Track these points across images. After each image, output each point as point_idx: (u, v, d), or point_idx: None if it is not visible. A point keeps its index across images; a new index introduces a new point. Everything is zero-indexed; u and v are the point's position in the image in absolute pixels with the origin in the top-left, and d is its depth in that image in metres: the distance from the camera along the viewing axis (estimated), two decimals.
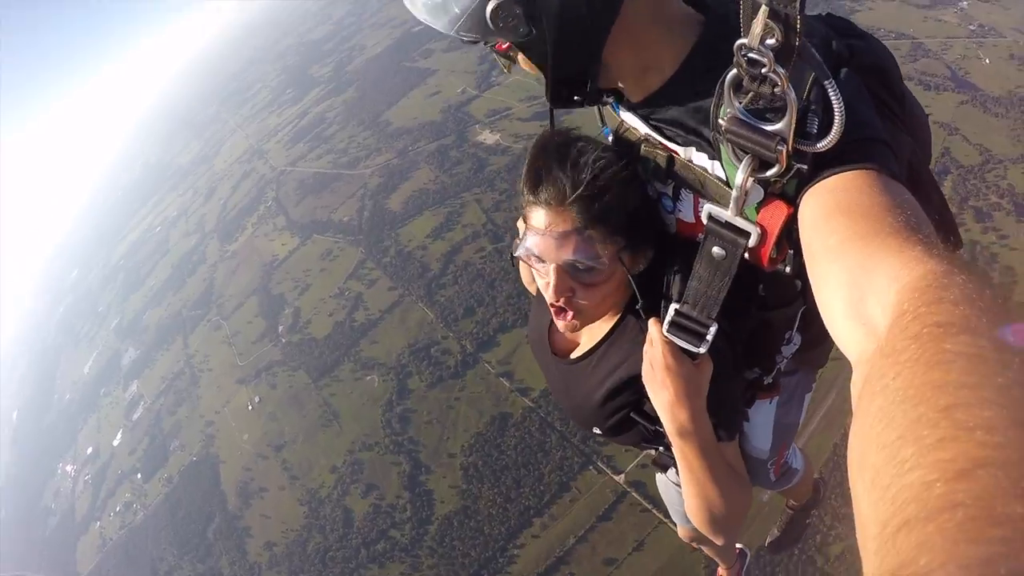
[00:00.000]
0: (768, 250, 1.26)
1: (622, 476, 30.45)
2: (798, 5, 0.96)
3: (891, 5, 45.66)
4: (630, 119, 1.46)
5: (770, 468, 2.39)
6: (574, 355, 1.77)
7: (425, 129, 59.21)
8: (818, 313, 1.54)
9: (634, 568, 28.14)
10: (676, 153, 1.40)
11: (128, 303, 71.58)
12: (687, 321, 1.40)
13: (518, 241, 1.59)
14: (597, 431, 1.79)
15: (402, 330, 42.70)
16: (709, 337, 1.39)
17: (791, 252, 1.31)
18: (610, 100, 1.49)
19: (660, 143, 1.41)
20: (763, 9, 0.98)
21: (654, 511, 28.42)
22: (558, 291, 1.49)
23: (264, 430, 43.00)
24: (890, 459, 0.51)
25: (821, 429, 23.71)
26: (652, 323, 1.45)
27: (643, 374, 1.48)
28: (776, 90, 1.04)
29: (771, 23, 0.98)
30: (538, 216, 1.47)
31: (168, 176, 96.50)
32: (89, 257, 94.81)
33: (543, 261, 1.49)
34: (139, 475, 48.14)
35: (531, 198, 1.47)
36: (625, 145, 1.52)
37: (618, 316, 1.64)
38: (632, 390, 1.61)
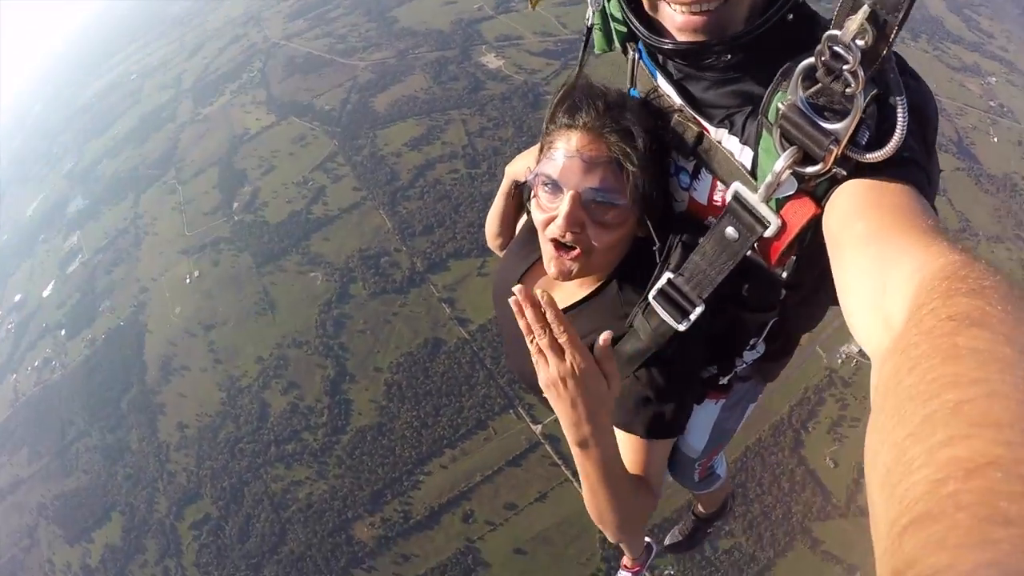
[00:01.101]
0: (782, 246, 1.22)
1: (539, 427, 30.05)
2: (900, 16, 0.96)
3: (925, 56, 44.40)
4: (665, 87, 1.41)
5: (696, 468, 2.36)
6: None
7: (431, 36, 55.75)
8: (785, 327, 1.66)
9: (532, 517, 28.00)
10: (707, 131, 1.36)
11: (86, 148, 67.10)
12: (676, 294, 1.34)
13: (528, 168, 1.50)
14: (539, 395, 1.69)
15: (357, 233, 40.87)
16: (693, 316, 1.33)
17: (795, 258, 1.30)
18: (638, 46, 1.45)
19: (694, 118, 1.36)
20: (864, 9, 0.97)
21: (563, 467, 28.18)
22: (569, 220, 1.37)
23: (197, 306, 41.30)
24: (900, 457, 0.50)
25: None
26: (604, 336, 1.28)
27: (545, 384, 1.27)
28: (847, 90, 1.03)
29: (867, 25, 0.98)
30: (569, 139, 1.38)
31: (157, 22, 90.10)
32: (56, 94, 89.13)
33: (558, 189, 1.38)
34: (63, 331, 46.00)
35: (566, 121, 1.38)
36: (655, 111, 1.44)
37: (598, 283, 1.56)
38: None
